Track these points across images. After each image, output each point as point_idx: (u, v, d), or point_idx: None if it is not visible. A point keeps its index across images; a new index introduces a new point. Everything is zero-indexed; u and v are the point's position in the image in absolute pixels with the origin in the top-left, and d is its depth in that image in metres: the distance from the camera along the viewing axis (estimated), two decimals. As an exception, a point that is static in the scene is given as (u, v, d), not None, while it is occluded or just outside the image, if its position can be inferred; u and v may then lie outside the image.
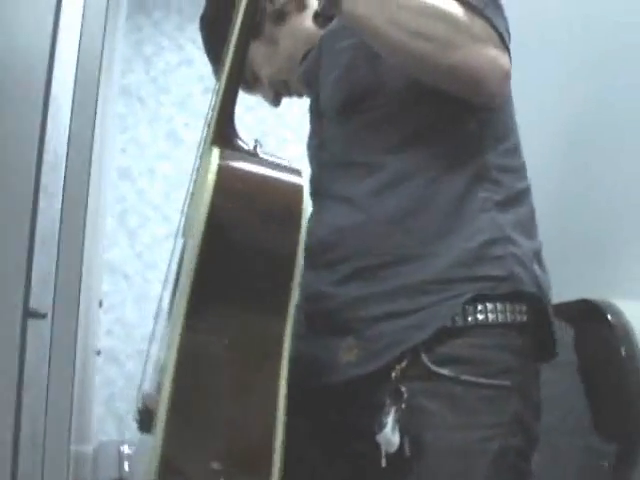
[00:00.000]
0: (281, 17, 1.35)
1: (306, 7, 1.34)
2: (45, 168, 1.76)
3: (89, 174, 1.97)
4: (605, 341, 1.34)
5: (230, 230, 1.01)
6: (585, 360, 1.33)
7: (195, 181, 1.23)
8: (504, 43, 1.12)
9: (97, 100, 1.98)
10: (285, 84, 1.41)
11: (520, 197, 1.20)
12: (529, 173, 1.25)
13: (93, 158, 1.99)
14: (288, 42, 1.36)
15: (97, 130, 1.97)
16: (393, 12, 1.09)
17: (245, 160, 1.07)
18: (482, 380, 1.09)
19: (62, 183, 1.93)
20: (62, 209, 1.95)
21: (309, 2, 1.35)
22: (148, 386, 1.28)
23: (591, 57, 1.73)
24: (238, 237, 1.02)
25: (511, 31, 1.17)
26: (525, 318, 1.13)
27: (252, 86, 1.42)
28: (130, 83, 4.51)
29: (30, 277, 1.84)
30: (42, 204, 1.85)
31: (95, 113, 1.97)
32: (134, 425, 4.74)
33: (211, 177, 0.99)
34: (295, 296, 1.01)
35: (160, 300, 1.39)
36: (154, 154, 4.48)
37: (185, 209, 1.29)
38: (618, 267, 1.56)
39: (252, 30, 1.13)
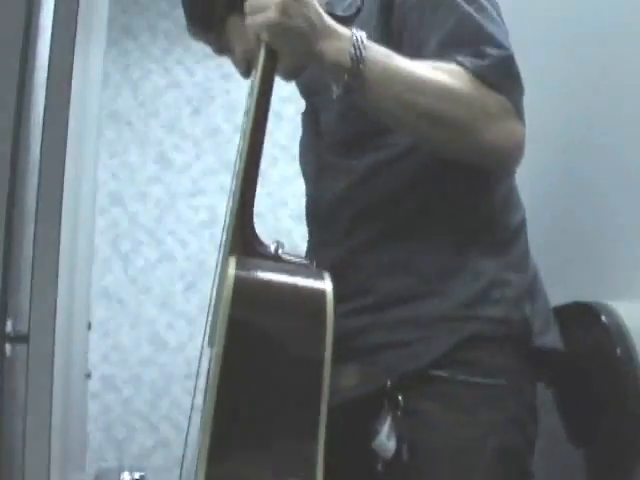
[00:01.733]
0: None
1: None
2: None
3: (62, 186, 1.96)
4: (599, 343, 1.29)
5: (251, 344, 0.97)
6: (579, 362, 1.29)
7: (217, 289, 1.18)
8: (518, 110, 1.11)
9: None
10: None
11: (518, 232, 1.21)
12: (521, 176, 1.24)
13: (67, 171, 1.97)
14: None
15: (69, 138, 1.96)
16: (412, 98, 1.06)
17: (264, 268, 1.03)
18: (478, 379, 1.10)
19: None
20: (35, 227, 1.92)
21: None
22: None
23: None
24: (260, 351, 0.98)
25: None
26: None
27: (223, 52, 1.37)
28: (118, 108, 4.50)
29: (6, 300, 1.82)
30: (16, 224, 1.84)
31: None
32: (133, 451, 4.66)
33: (228, 288, 0.96)
34: (325, 414, 0.96)
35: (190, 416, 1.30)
36: (144, 178, 4.46)
37: (209, 318, 1.23)
38: (611, 268, 1.53)
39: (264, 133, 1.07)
